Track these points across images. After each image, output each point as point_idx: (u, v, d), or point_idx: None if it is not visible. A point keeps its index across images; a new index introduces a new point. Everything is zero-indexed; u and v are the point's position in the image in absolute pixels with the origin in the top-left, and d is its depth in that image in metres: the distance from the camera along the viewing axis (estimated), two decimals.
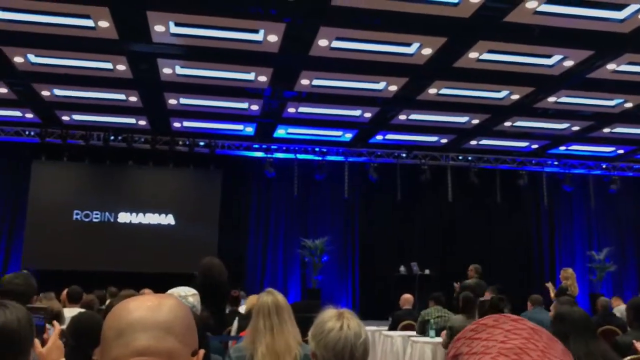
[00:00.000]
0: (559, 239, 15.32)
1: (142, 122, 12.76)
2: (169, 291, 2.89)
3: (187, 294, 2.89)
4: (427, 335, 6.76)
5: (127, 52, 9.11)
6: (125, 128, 13.02)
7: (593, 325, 3.05)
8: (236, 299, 6.87)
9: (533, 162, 14.78)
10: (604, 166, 15.09)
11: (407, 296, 8.58)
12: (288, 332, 2.97)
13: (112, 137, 13.03)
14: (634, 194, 15.35)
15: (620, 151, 14.33)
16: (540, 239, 15.28)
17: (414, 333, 7.48)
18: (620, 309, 9.15)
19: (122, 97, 11.19)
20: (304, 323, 3.71)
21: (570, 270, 8.60)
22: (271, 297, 3.04)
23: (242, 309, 6.74)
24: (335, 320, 2.03)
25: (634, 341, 3.89)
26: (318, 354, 2.01)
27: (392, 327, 8.12)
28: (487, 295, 6.04)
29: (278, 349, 2.89)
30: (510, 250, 14.91)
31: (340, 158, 14.17)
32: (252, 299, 5.86)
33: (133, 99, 11.24)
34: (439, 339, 6.06)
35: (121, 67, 9.68)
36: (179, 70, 9.82)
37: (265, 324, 2.95)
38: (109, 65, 9.69)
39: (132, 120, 12.68)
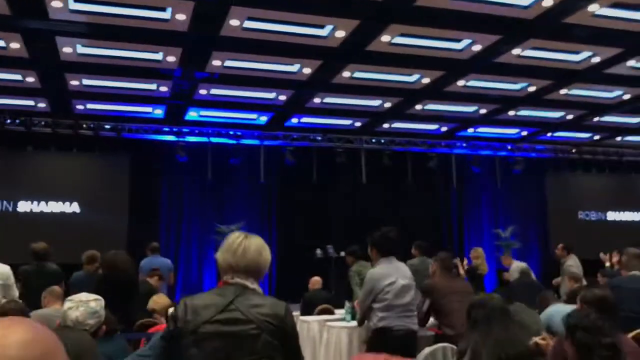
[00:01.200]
0: (468, 218, 15.89)
1: (42, 105, 11.96)
2: (72, 297, 2.70)
3: (89, 299, 2.71)
4: (345, 320, 6.75)
5: (21, 29, 8.43)
6: (23, 111, 12.15)
7: (508, 311, 3.12)
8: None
9: (443, 144, 15.19)
10: (509, 147, 15.75)
11: (316, 278, 8.76)
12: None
13: (8, 121, 12.13)
14: (536, 175, 16.14)
15: (524, 133, 15.00)
16: (449, 219, 15.79)
17: (329, 317, 7.49)
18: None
19: (18, 77, 10.40)
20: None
21: (480, 249, 8.92)
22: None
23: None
24: (239, 233, 2.34)
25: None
26: (219, 258, 2.28)
27: (303, 309, 8.16)
28: (433, 267, 6.01)
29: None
30: (421, 230, 15.25)
31: (255, 142, 13.92)
32: (156, 299, 5.47)
33: (30, 79, 10.47)
34: (354, 323, 6.04)
35: (15, 46, 8.96)
36: (80, 49, 9.21)
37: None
38: (1, 43, 8.95)
39: (31, 103, 11.85)
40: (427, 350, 3.70)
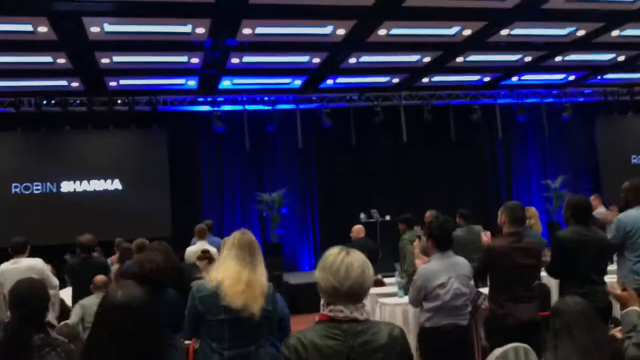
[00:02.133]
0: (515, 170, 15.37)
1: (75, 84, 11.86)
2: None
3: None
4: (397, 295, 6.56)
5: (47, 12, 8.23)
6: (58, 91, 12.09)
7: (592, 314, 2.86)
8: None
9: (486, 94, 14.58)
10: (555, 93, 15.03)
11: (359, 226, 8.43)
12: (261, 270, 3.07)
13: (44, 102, 12.11)
14: (585, 120, 15.41)
15: (572, 77, 14.24)
16: (496, 172, 15.30)
17: (380, 290, 7.30)
18: (600, 210, 9.12)
19: (48, 59, 10.29)
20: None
21: (533, 209, 8.43)
22: (246, 235, 3.12)
23: None
24: (337, 249, 2.16)
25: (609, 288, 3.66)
26: (319, 278, 2.10)
27: None
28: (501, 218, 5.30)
29: (244, 279, 2.93)
30: (467, 186, 14.89)
31: (291, 106, 13.61)
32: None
33: (61, 60, 10.34)
34: (407, 299, 5.76)
35: (43, 29, 8.78)
36: (108, 27, 8.98)
37: (238, 256, 3.01)
38: (29, 27, 8.79)
39: (64, 83, 11.76)
40: (497, 352, 3.43)
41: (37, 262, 5.67)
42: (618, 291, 2.81)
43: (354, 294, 2.06)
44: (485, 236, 5.21)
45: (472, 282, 4.38)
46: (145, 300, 1.99)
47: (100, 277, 5.79)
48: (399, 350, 2.08)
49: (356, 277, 2.05)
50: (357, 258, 2.11)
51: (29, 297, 2.83)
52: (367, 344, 2.02)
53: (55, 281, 5.86)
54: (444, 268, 4.15)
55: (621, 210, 5.23)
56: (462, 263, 4.30)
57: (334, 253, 2.12)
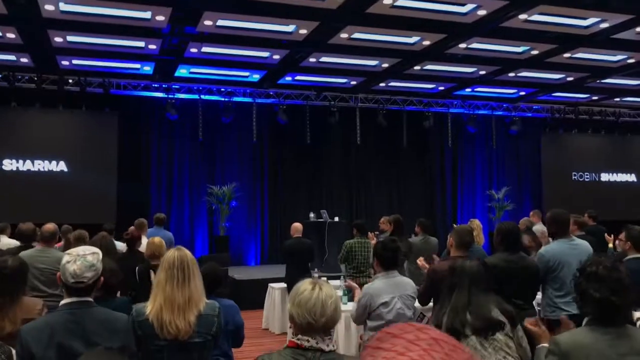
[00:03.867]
0: (462, 179, 15.76)
1: (25, 60, 11.43)
2: (70, 250, 2.78)
3: (86, 252, 2.71)
4: (341, 300, 6.64)
5: None
6: (6, 65, 11.63)
7: (483, 277, 3.19)
8: (133, 239, 6.49)
9: (439, 102, 14.88)
10: (505, 107, 15.48)
11: (297, 225, 8.45)
12: (195, 287, 2.94)
13: None
14: (532, 135, 15.95)
15: (522, 93, 14.69)
16: (444, 179, 15.64)
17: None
18: (538, 228, 9.35)
19: None
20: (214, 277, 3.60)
21: (476, 221, 8.71)
22: (178, 251, 3.02)
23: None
24: (309, 284, 2.21)
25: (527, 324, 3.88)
26: (294, 312, 2.17)
27: (285, 258, 8.20)
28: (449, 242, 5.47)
29: (178, 302, 2.83)
30: (415, 191, 15.18)
31: (247, 99, 13.52)
32: (152, 240, 5.50)
33: (10, 35, 9.95)
34: (351, 305, 5.85)
35: None
36: (64, 6, 8.69)
37: (169, 276, 2.92)
38: None
39: (12, 57, 11.31)
40: None
41: None
42: (532, 327, 2.97)
43: (327, 328, 2.18)
44: (420, 261, 5.37)
45: (416, 303, 4.48)
46: None
47: (49, 226, 5.45)
48: None
49: (330, 314, 2.15)
50: (330, 293, 2.20)
51: None
52: None
53: None
54: (388, 287, 4.22)
55: (550, 237, 5.30)
56: (406, 283, 4.38)
57: (308, 289, 2.19)
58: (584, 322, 2.36)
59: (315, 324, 2.14)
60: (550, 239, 5.29)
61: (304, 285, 2.22)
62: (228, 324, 3.53)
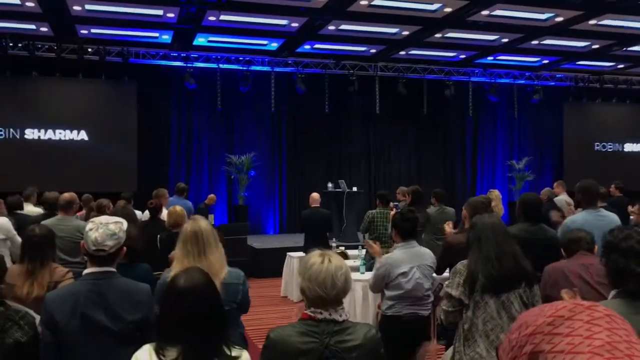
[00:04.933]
0: (482, 148, 15.60)
1: (44, 29, 11.44)
2: (93, 219, 2.79)
3: (109, 221, 2.72)
4: (359, 271, 6.68)
5: None
6: (26, 34, 11.66)
7: (502, 228, 3.24)
8: (156, 208, 6.57)
9: (460, 71, 14.65)
10: (528, 75, 15.20)
11: (315, 195, 8.46)
12: (213, 258, 2.96)
13: (10, 45, 11.67)
14: (554, 104, 15.67)
15: (545, 61, 14.40)
16: (464, 149, 15.50)
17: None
18: (561, 198, 9.24)
19: (16, 1, 9.87)
20: (231, 244, 3.64)
21: (496, 192, 8.59)
22: (192, 224, 3.04)
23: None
24: (318, 257, 2.21)
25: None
26: (304, 286, 2.19)
27: (303, 227, 8.25)
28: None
29: None
30: (435, 161, 15.08)
31: (266, 68, 13.44)
32: (173, 209, 5.61)
33: (30, 4, 9.94)
34: (369, 275, 5.84)
35: None
36: None
37: (185, 252, 2.96)
38: None
39: (33, 27, 11.33)
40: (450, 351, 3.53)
41: (4, 222, 5.48)
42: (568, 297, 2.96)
43: (339, 299, 2.19)
44: (448, 226, 5.29)
45: (434, 274, 4.47)
46: (206, 285, 2.02)
47: (66, 195, 5.54)
48: (373, 351, 2.20)
49: (341, 285, 2.17)
50: (339, 265, 2.19)
51: None
52: (342, 343, 2.14)
53: (19, 240, 5.65)
54: (407, 258, 4.22)
55: (577, 207, 5.26)
56: (425, 254, 4.37)
57: (317, 262, 2.19)
58: (610, 295, 2.33)
59: (327, 297, 2.15)
60: (577, 210, 5.24)
61: (313, 258, 2.22)
62: None
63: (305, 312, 2.20)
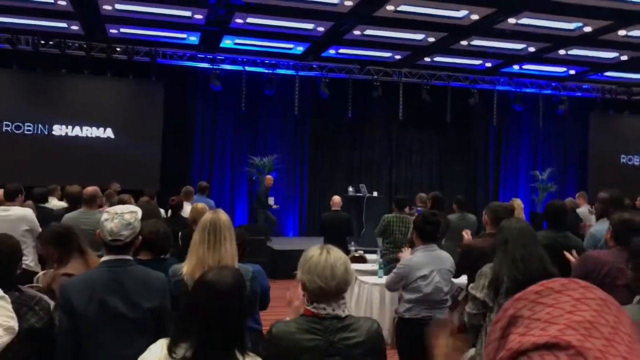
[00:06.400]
0: (505, 158, 15.48)
1: (75, 27, 11.68)
2: (108, 209, 2.88)
3: (124, 211, 2.76)
4: (377, 273, 6.68)
5: None
6: (57, 33, 11.91)
7: (530, 232, 3.24)
8: (177, 206, 6.72)
9: (485, 79, 14.57)
10: (554, 85, 15.05)
11: (337, 198, 8.50)
12: (225, 251, 2.99)
13: (42, 42, 11.93)
14: (580, 116, 15.49)
15: (572, 72, 14.26)
16: (487, 158, 15.40)
17: (361, 266, 7.44)
18: (583, 210, 9.16)
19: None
20: (251, 245, 3.72)
21: (518, 201, 8.54)
22: (213, 214, 3.09)
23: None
24: (317, 249, 2.22)
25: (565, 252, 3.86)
26: (305, 279, 2.17)
27: (322, 230, 8.26)
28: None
29: (208, 264, 2.87)
30: (458, 169, 15.01)
31: (290, 72, 13.52)
32: (195, 206, 5.66)
33: (62, 2, 10.16)
34: (385, 280, 5.85)
35: None
36: None
37: (202, 238, 2.99)
38: None
39: (64, 25, 11.57)
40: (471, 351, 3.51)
41: (28, 213, 5.60)
42: None
43: (339, 291, 2.16)
44: (467, 235, 5.27)
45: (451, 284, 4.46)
46: (235, 284, 2.02)
47: (89, 189, 5.65)
48: (376, 346, 2.21)
49: (341, 275, 2.13)
50: (338, 256, 2.19)
51: None
52: (347, 340, 2.13)
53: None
54: (428, 261, 4.21)
55: (599, 218, 5.16)
56: (445, 257, 4.36)
57: (316, 254, 2.18)
58: (635, 300, 2.32)
59: (327, 288, 2.12)
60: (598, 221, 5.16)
61: (312, 251, 2.21)
62: None
63: (308, 307, 2.17)
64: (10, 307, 2.40)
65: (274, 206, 11.94)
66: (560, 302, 0.75)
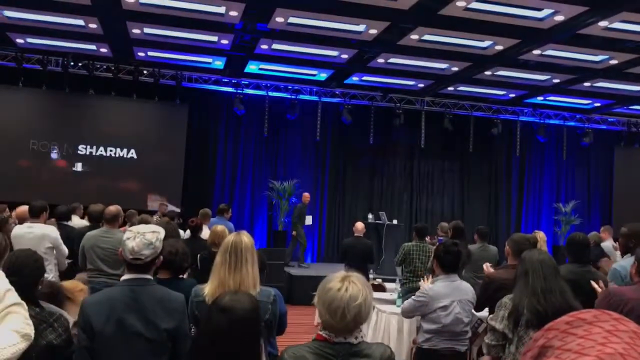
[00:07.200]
0: (528, 189, 15.32)
1: (104, 50, 11.93)
2: (131, 228, 2.89)
3: (146, 230, 2.78)
4: (395, 302, 6.60)
5: None
6: (86, 54, 12.17)
7: (552, 264, 3.20)
8: (196, 227, 6.74)
9: (509, 110, 14.51)
10: (578, 117, 14.93)
11: (359, 224, 8.47)
12: (246, 272, 2.98)
13: (71, 63, 12.20)
14: (605, 148, 15.31)
15: (597, 104, 14.14)
16: (509, 189, 15.24)
17: (380, 295, 7.35)
18: (607, 244, 8.96)
19: (80, 22, 10.34)
20: (271, 270, 3.67)
21: (541, 233, 8.39)
22: (235, 236, 3.08)
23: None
24: (338, 281, 2.10)
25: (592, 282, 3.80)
26: (319, 308, 2.13)
27: (342, 256, 8.23)
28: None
29: (229, 286, 2.87)
30: (479, 199, 14.87)
31: (313, 97, 13.62)
32: (215, 228, 5.66)
33: (93, 25, 10.39)
34: None
35: None
36: None
37: (223, 260, 2.99)
38: None
39: (93, 47, 11.83)
40: None
41: (51, 230, 5.66)
42: None
43: (351, 329, 2.10)
44: (487, 268, 5.19)
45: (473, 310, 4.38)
46: (251, 309, 2.02)
47: (112, 208, 5.69)
48: None
49: (353, 316, 2.06)
50: (355, 295, 2.07)
51: (20, 268, 2.68)
52: None
53: (66, 250, 5.80)
54: (448, 291, 4.15)
55: (623, 254, 5.06)
56: (466, 288, 4.29)
57: (334, 287, 2.08)
58: None
59: (337, 326, 2.08)
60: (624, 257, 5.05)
61: (333, 281, 2.12)
62: None
63: (320, 333, 2.14)
64: (27, 314, 2.41)
65: (309, 224, 12.12)
66: (591, 334, 0.75)
